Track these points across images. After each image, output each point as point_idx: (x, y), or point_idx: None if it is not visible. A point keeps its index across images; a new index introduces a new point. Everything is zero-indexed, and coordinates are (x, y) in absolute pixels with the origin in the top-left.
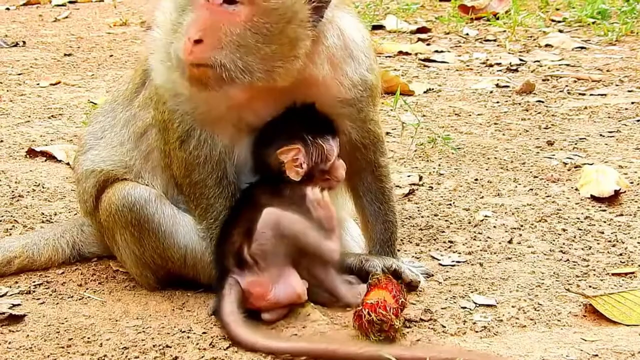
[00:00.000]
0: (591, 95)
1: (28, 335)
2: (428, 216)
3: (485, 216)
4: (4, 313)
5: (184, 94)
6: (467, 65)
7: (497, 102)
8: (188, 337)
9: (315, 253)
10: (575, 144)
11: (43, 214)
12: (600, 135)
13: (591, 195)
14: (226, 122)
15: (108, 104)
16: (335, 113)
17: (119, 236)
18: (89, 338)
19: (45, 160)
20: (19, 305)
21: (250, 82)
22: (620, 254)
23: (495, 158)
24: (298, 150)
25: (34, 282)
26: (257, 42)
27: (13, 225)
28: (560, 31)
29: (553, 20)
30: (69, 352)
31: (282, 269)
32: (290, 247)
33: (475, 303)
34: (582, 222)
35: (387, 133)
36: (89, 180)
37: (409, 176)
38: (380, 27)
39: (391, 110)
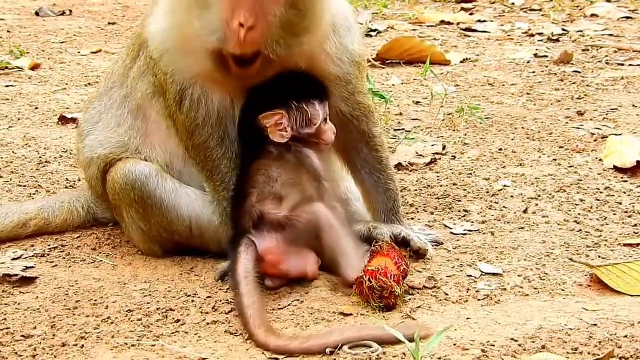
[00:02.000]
0: (630, 65)
1: (37, 297)
2: (447, 185)
3: (505, 186)
4: (16, 275)
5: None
6: (508, 35)
7: (533, 72)
8: (192, 301)
9: (335, 266)
10: (606, 114)
11: (67, 179)
12: (633, 106)
13: (614, 166)
14: (221, 84)
15: (102, 89)
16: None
17: (126, 213)
18: (96, 300)
19: (76, 127)
20: (32, 267)
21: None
22: (635, 225)
23: (523, 128)
24: (281, 115)
25: (49, 245)
26: (296, 19)
27: (37, 190)
28: (608, 1)
29: None
30: (74, 314)
31: (303, 249)
32: (320, 244)
33: (482, 272)
34: (601, 192)
35: (417, 102)
36: (91, 168)
37: (432, 145)
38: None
39: (424, 79)
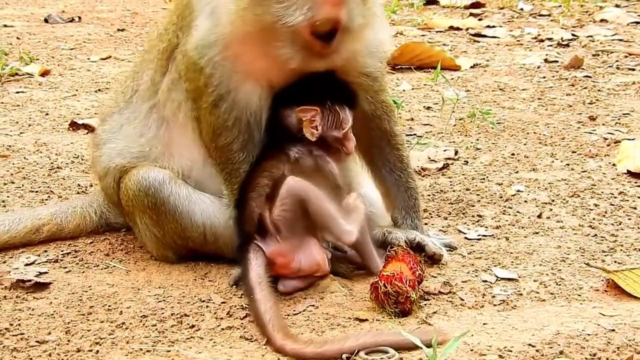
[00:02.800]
0: None
1: (51, 303)
2: (460, 190)
3: (518, 191)
4: (30, 280)
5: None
6: (518, 41)
7: (544, 77)
8: (207, 307)
9: (331, 232)
10: (618, 119)
11: (79, 185)
12: None
13: (627, 171)
14: (260, 79)
15: (122, 102)
16: (355, 82)
17: (139, 219)
18: (110, 306)
19: (87, 133)
20: (45, 273)
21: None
22: None
23: (535, 133)
24: (316, 112)
25: (62, 250)
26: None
27: (49, 196)
28: (617, 6)
29: None
30: (88, 319)
31: (303, 238)
32: (310, 219)
33: (497, 277)
34: (615, 197)
35: (428, 108)
36: (107, 177)
37: (445, 150)
38: (434, 1)
39: (435, 85)
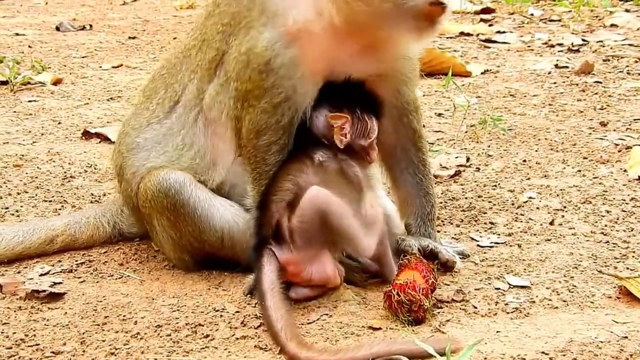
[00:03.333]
0: None
1: (66, 313)
2: (472, 197)
3: (530, 198)
4: (44, 291)
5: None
6: (528, 46)
7: (555, 83)
8: (221, 316)
9: (350, 245)
10: (629, 124)
11: (92, 194)
12: None
13: (639, 177)
14: (319, 80)
15: (161, 113)
16: (394, 73)
17: (156, 221)
18: (124, 316)
19: (100, 142)
20: (60, 283)
21: None
22: None
23: (546, 139)
24: (347, 119)
25: (76, 260)
26: None
27: (62, 206)
28: (627, 11)
29: (620, 0)
30: (103, 330)
31: (316, 249)
32: (329, 231)
33: (510, 284)
34: (627, 203)
35: (439, 114)
36: (135, 179)
37: (456, 157)
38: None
39: (446, 91)
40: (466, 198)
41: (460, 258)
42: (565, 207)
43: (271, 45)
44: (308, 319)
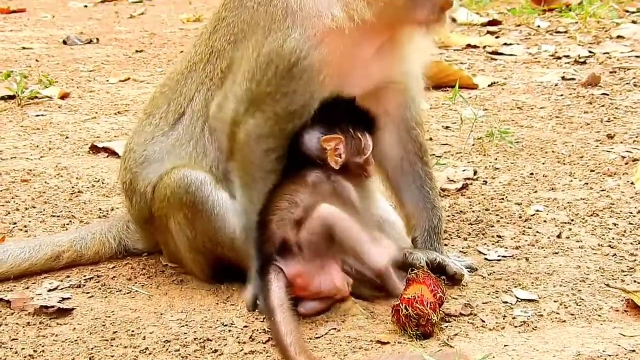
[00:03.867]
0: None
1: (75, 329)
2: (479, 211)
3: (537, 211)
4: (53, 307)
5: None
6: (535, 58)
7: (562, 95)
8: (229, 331)
9: (361, 261)
10: (637, 137)
11: (100, 209)
12: None
13: None
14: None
15: (165, 126)
16: (402, 81)
17: (173, 221)
18: (133, 331)
19: (107, 157)
20: (68, 299)
21: None
22: None
23: (554, 152)
24: (340, 140)
25: (85, 276)
26: None
27: (70, 221)
28: (634, 22)
29: (627, 11)
30: (112, 345)
31: (325, 261)
32: (339, 247)
33: (518, 298)
34: (634, 216)
35: (447, 127)
36: (150, 186)
37: (464, 171)
38: (451, 19)
39: (453, 104)
40: (474, 211)
41: (468, 272)
42: (572, 220)
43: (300, 46)
44: (316, 334)
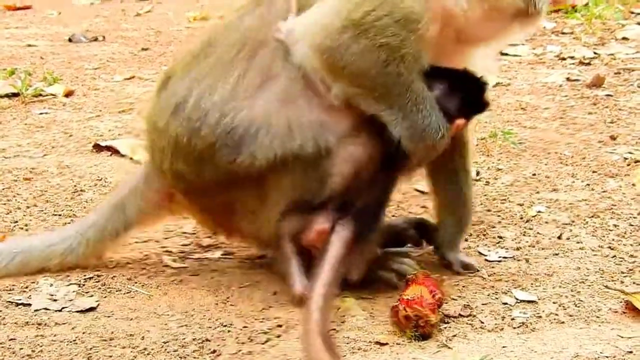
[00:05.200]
0: None
1: (73, 328)
2: (481, 211)
3: (539, 212)
4: (52, 306)
5: None
6: (540, 59)
7: (566, 96)
8: (228, 331)
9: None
10: (639, 138)
11: None
12: None
13: None
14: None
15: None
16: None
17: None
18: (131, 331)
19: (110, 155)
20: (68, 298)
21: None
22: None
23: (556, 153)
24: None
25: (84, 275)
26: None
27: (71, 219)
28: (639, 24)
29: (632, 12)
30: (110, 345)
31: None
32: None
33: (517, 299)
34: (634, 217)
35: None
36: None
37: None
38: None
39: None
40: (475, 212)
41: (468, 273)
42: (573, 221)
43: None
44: None
